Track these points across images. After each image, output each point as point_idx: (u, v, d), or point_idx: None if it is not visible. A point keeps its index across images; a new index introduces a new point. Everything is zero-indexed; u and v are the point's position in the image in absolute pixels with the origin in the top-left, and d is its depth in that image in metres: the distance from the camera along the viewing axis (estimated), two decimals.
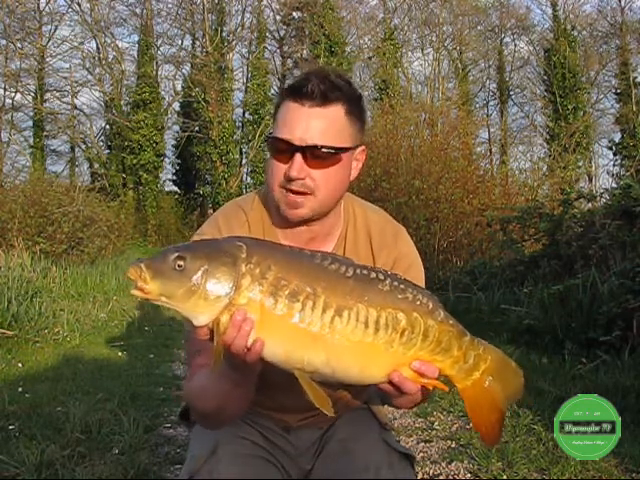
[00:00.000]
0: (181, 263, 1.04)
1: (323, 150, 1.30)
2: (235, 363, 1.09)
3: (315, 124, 1.30)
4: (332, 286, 1.08)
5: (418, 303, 1.12)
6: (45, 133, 28.15)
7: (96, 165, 28.43)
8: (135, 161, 26.32)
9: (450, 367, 1.16)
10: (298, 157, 1.29)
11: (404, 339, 1.10)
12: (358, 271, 1.11)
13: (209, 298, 1.04)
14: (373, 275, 1.12)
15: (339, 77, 1.34)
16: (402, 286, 1.13)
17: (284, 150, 1.31)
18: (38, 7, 27.52)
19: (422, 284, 1.43)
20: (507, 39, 31.75)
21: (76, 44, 28.19)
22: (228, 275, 1.05)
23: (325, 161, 1.31)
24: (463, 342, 1.16)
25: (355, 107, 1.36)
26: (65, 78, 28.45)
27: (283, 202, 1.33)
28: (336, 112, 1.32)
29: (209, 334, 1.07)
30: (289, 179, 1.30)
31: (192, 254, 1.06)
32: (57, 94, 28.75)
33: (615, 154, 25.09)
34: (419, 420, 3.47)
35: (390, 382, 1.12)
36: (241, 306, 1.04)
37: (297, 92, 1.31)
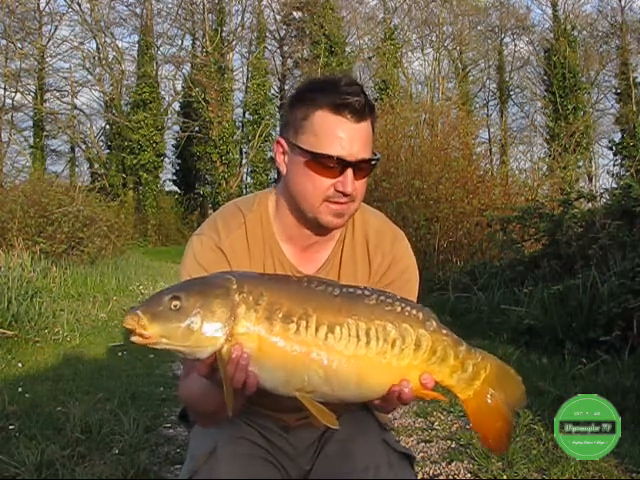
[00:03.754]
0: (177, 303, 1.07)
1: (371, 162, 1.34)
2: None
3: (360, 138, 1.32)
4: (322, 305, 1.11)
5: (407, 314, 1.14)
6: (45, 133, 28.18)
7: (96, 165, 28.45)
8: (135, 161, 26.32)
9: (449, 377, 1.17)
10: (350, 173, 1.31)
11: (396, 350, 1.12)
12: (344, 290, 1.15)
13: (209, 332, 1.07)
14: (359, 292, 1.15)
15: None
16: (389, 300, 1.15)
17: (333, 166, 1.30)
18: (38, 7, 27.58)
19: (415, 288, 1.45)
20: (507, 39, 31.80)
21: (76, 44, 28.27)
22: (224, 307, 1.08)
23: (366, 172, 1.35)
24: (459, 351, 1.17)
25: (375, 118, 1.39)
26: (65, 78, 28.49)
27: (328, 213, 1.33)
28: (369, 125, 1.35)
29: (210, 368, 1.10)
30: (343, 194, 1.31)
31: (186, 292, 1.09)
32: (57, 94, 28.80)
33: (615, 154, 25.04)
34: (419, 420, 3.46)
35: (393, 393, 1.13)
36: (240, 335, 1.07)
37: (341, 106, 1.29)
